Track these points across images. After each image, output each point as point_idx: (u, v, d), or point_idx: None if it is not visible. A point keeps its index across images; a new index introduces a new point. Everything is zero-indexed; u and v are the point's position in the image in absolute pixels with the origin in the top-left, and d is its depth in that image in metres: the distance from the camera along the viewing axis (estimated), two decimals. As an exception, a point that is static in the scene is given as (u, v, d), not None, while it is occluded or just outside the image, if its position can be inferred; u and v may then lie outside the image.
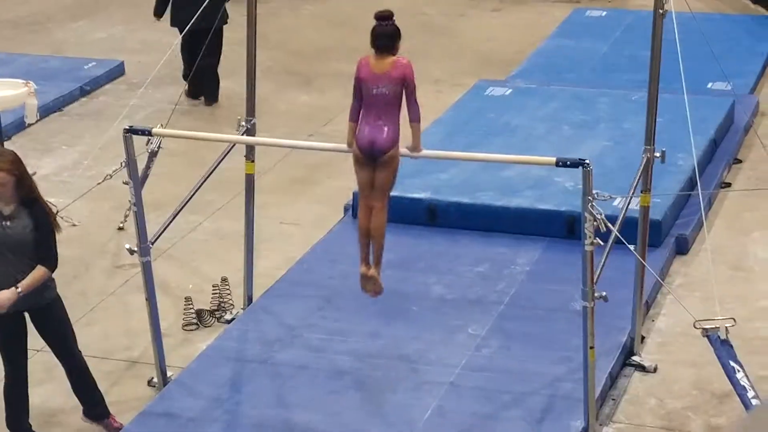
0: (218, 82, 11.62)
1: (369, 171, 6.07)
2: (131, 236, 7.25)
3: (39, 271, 6.26)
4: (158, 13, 11.52)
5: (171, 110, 7.75)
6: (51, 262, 6.32)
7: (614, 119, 10.15)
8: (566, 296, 7.51)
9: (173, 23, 11.24)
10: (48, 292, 6.41)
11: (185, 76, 11.33)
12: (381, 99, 5.96)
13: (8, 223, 6.24)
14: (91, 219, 9.13)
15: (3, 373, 6.54)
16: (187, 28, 7.56)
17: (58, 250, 6.36)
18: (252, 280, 7.77)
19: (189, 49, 11.11)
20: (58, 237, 6.37)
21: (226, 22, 11.03)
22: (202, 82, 11.41)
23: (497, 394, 6.71)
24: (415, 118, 6.00)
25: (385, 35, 5.97)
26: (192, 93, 11.50)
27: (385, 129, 5.96)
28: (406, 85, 5.96)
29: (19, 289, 6.20)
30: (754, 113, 10.79)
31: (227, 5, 10.79)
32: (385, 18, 5.99)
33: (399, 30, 6.02)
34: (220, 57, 11.46)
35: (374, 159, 6.02)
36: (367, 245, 6.23)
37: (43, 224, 6.27)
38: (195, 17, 7.35)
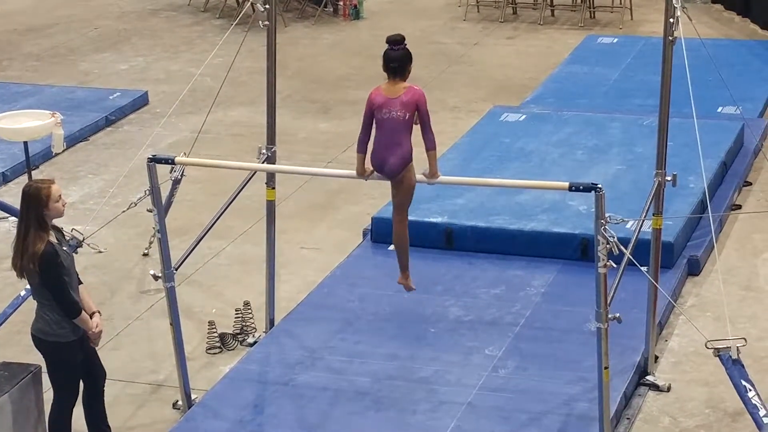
0: None
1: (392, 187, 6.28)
2: (156, 262, 7.36)
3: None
4: None
5: (194, 139, 7.79)
6: None
7: (626, 143, 10.20)
8: (580, 317, 7.55)
9: None
10: None
11: None
12: (392, 123, 6.08)
13: (65, 248, 6.25)
14: (116, 246, 9.15)
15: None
16: None
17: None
18: (274, 304, 7.82)
19: None
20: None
21: None
22: None
23: (514, 414, 6.76)
24: (430, 146, 6.13)
25: (396, 59, 6.10)
26: None
27: (396, 151, 6.09)
28: (419, 112, 6.07)
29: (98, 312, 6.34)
30: (763, 136, 10.79)
31: None
32: (396, 42, 6.13)
33: (410, 54, 6.14)
34: None
35: (388, 179, 6.20)
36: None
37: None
38: None
